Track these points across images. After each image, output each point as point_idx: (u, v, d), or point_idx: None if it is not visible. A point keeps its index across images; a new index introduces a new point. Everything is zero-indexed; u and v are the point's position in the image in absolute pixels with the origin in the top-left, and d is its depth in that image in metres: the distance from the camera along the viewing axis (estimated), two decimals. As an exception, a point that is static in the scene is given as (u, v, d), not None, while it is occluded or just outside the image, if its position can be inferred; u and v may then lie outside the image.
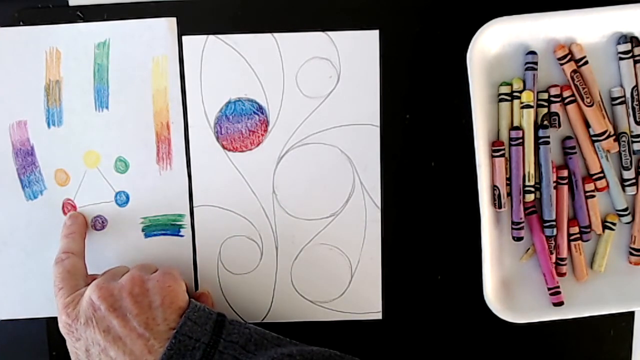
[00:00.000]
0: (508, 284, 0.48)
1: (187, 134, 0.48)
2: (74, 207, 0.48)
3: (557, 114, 0.46)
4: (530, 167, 0.46)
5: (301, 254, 0.49)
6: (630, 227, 0.48)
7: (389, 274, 0.49)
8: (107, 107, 0.48)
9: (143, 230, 0.49)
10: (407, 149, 0.48)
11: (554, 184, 0.46)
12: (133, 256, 0.49)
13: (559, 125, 0.46)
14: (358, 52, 0.47)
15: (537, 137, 0.46)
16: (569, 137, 0.47)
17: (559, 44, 0.45)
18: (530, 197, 0.46)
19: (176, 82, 0.47)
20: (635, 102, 0.46)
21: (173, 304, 0.42)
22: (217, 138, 0.48)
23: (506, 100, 0.46)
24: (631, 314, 0.50)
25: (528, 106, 0.45)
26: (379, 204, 0.49)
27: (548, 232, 0.47)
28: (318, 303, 0.49)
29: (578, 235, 0.47)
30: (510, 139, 0.46)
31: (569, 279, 0.48)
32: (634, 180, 0.47)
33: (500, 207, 0.46)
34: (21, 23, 0.47)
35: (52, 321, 0.49)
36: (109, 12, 0.47)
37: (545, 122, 0.46)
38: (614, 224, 0.47)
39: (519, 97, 0.46)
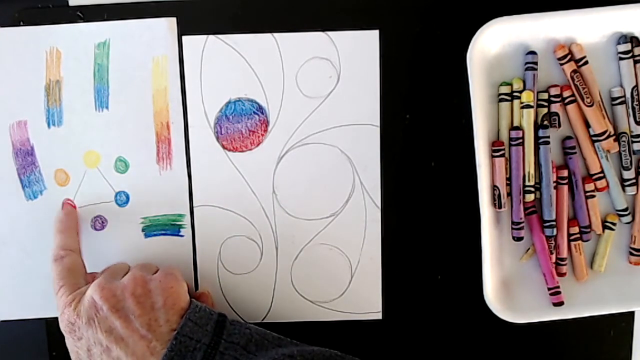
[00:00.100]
0: (508, 284, 0.48)
1: (187, 134, 0.48)
2: (74, 208, 0.48)
3: (557, 114, 0.46)
4: (530, 167, 0.46)
5: (301, 254, 0.49)
6: (630, 227, 0.48)
7: (389, 274, 0.49)
8: (107, 107, 0.48)
9: (143, 230, 0.49)
10: (407, 149, 0.48)
11: (554, 184, 0.46)
12: (133, 256, 0.49)
13: (559, 125, 0.46)
14: (358, 52, 0.47)
15: (537, 137, 0.46)
16: (569, 137, 0.47)
17: (559, 44, 0.45)
18: (530, 197, 0.46)
19: (176, 82, 0.47)
20: (635, 102, 0.46)
21: (175, 305, 0.42)
22: (217, 138, 0.48)
23: (506, 100, 0.46)
24: (631, 314, 0.50)
25: (528, 106, 0.45)
26: (379, 204, 0.49)
27: (548, 232, 0.47)
28: (318, 303, 0.49)
29: (578, 235, 0.47)
30: (510, 139, 0.46)
31: (569, 279, 0.48)
32: (634, 180, 0.47)
33: (500, 207, 0.46)
34: (21, 23, 0.47)
35: (52, 321, 0.49)
36: (109, 12, 0.47)
37: (545, 122, 0.46)
38: (614, 224, 0.47)
39: (519, 97, 0.46)
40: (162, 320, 0.41)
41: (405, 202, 0.49)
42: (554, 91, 0.46)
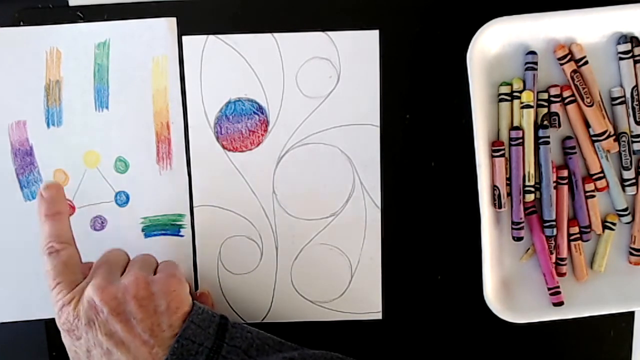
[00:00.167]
0: (508, 284, 0.48)
1: (187, 134, 0.48)
2: (73, 208, 0.48)
3: (557, 114, 0.46)
4: (530, 167, 0.46)
5: (301, 254, 0.49)
6: (630, 227, 0.48)
7: (389, 274, 0.49)
8: (107, 107, 0.47)
9: (143, 230, 0.49)
10: (407, 149, 0.48)
11: (554, 184, 0.46)
12: (133, 256, 0.48)
13: (559, 125, 0.46)
14: (358, 52, 0.47)
15: (537, 137, 0.46)
16: (569, 137, 0.47)
17: (559, 44, 0.45)
18: (530, 197, 0.46)
19: (176, 82, 0.47)
20: (635, 102, 0.46)
21: (179, 309, 0.41)
22: (217, 138, 0.48)
23: (506, 100, 0.46)
24: (631, 314, 0.50)
25: (528, 106, 0.45)
26: (379, 204, 0.49)
27: (548, 232, 0.47)
28: (318, 303, 0.49)
29: (578, 235, 0.47)
30: (510, 139, 0.46)
31: (569, 279, 0.48)
32: (634, 180, 0.47)
33: (500, 207, 0.46)
34: (21, 23, 0.47)
35: (52, 322, 0.49)
36: (109, 12, 0.47)
37: (545, 122, 0.46)
38: (614, 224, 0.47)
39: (519, 97, 0.46)
40: (164, 325, 0.40)
41: (405, 202, 0.49)
42: (554, 91, 0.46)
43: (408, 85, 0.48)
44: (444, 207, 0.49)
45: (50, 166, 0.48)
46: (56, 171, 0.48)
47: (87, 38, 0.47)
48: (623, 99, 0.46)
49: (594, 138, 0.46)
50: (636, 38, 0.45)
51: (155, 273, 0.44)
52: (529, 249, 0.48)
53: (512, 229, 0.47)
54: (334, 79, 0.48)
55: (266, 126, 0.48)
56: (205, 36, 0.47)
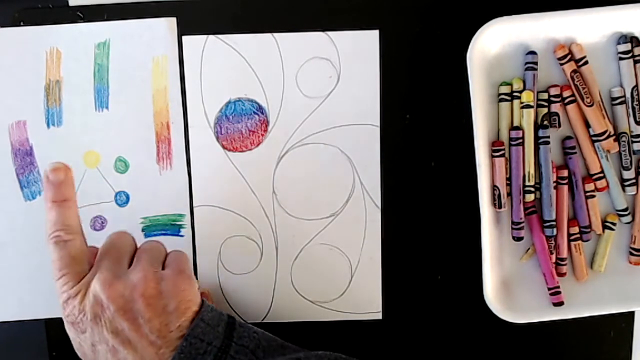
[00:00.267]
0: (508, 284, 0.48)
1: (187, 134, 0.48)
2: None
3: (557, 114, 0.46)
4: (530, 167, 0.46)
5: (301, 254, 0.49)
6: (630, 227, 0.48)
7: (389, 274, 0.49)
8: (107, 107, 0.47)
9: (143, 230, 0.49)
10: (407, 149, 0.48)
11: (554, 184, 0.46)
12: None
13: (559, 125, 0.46)
14: (358, 52, 0.47)
15: (537, 137, 0.46)
16: (569, 137, 0.47)
17: (559, 44, 0.45)
18: (530, 197, 0.46)
19: (176, 82, 0.47)
20: (635, 102, 0.46)
21: (188, 310, 0.39)
22: (217, 138, 0.48)
23: (506, 100, 0.46)
24: (631, 314, 0.50)
25: (528, 106, 0.45)
26: (379, 204, 0.49)
27: (548, 232, 0.47)
28: (318, 303, 0.49)
29: (578, 235, 0.47)
30: (510, 139, 0.46)
31: (569, 279, 0.48)
32: (634, 180, 0.47)
33: (500, 207, 0.46)
34: (21, 23, 0.47)
35: (52, 321, 0.49)
36: (109, 12, 0.47)
37: (545, 122, 0.46)
38: (614, 224, 0.47)
39: (519, 97, 0.46)
40: (172, 326, 0.39)
41: (405, 202, 0.49)
42: (554, 91, 0.46)
43: (408, 85, 0.48)
44: (444, 207, 0.49)
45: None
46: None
47: (87, 38, 0.47)
48: (623, 99, 0.46)
49: (594, 138, 0.46)
50: (636, 38, 0.45)
51: (163, 264, 0.42)
52: (529, 249, 0.48)
53: (512, 229, 0.47)
54: (334, 79, 0.48)
55: (266, 126, 0.48)
56: (205, 36, 0.47)
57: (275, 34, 0.47)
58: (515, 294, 0.48)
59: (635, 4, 0.44)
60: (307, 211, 0.49)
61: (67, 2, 0.47)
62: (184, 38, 0.47)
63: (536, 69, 0.45)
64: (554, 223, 0.47)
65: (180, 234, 0.49)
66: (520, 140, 0.46)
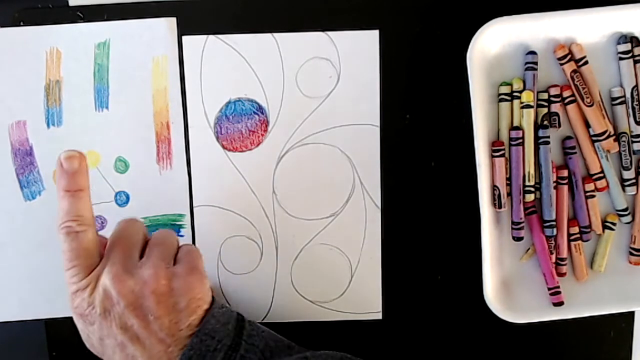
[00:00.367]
0: (508, 284, 0.48)
1: (187, 134, 0.48)
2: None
3: (557, 114, 0.46)
4: (530, 167, 0.46)
5: (301, 254, 0.49)
6: (630, 227, 0.48)
7: (389, 274, 0.49)
8: (107, 107, 0.47)
9: (143, 230, 0.49)
10: (407, 149, 0.48)
11: (554, 184, 0.46)
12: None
13: (559, 125, 0.46)
14: (358, 52, 0.47)
15: (537, 137, 0.46)
16: (569, 137, 0.47)
17: (559, 44, 0.45)
18: (530, 197, 0.46)
19: (176, 82, 0.47)
20: (635, 102, 0.46)
21: (199, 308, 0.39)
22: (217, 138, 0.48)
23: (506, 100, 0.46)
24: (631, 314, 0.50)
25: (528, 106, 0.45)
26: (379, 204, 0.49)
27: (548, 232, 0.47)
28: (318, 303, 0.49)
29: (578, 235, 0.47)
30: (510, 139, 0.46)
31: (569, 279, 0.48)
32: (634, 180, 0.47)
33: (500, 207, 0.46)
34: (21, 23, 0.47)
35: (52, 322, 0.49)
36: (109, 12, 0.47)
37: (545, 122, 0.46)
38: (614, 224, 0.47)
39: (519, 97, 0.46)
40: (182, 324, 0.38)
41: (405, 202, 0.49)
42: (554, 91, 0.46)
43: (408, 85, 0.48)
44: (444, 207, 0.49)
45: (50, 166, 0.48)
46: (56, 171, 0.48)
47: (87, 38, 0.47)
48: (623, 99, 0.46)
49: (594, 138, 0.46)
50: (636, 38, 0.45)
51: (175, 257, 0.41)
52: (529, 249, 0.48)
53: (512, 229, 0.47)
54: (334, 79, 0.48)
55: (266, 126, 0.48)
56: (205, 36, 0.47)
57: (275, 34, 0.47)
58: (515, 294, 0.48)
59: (635, 4, 0.44)
60: (307, 211, 0.49)
61: (67, 2, 0.47)
62: (184, 38, 0.47)
63: (536, 69, 0.45)
64: (554, 223, 0.47)
65: (180, 234, 0.49)
66: (520, 140, 0.46)
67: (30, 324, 0.49)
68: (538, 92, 0.46)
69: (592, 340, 0.50)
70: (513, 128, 0.46)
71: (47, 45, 0.47)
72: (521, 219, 0.47)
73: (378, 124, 0.48)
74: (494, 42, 0.45)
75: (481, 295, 0.46)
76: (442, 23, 0.47)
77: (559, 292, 0.47)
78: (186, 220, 0.48)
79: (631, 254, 0.48)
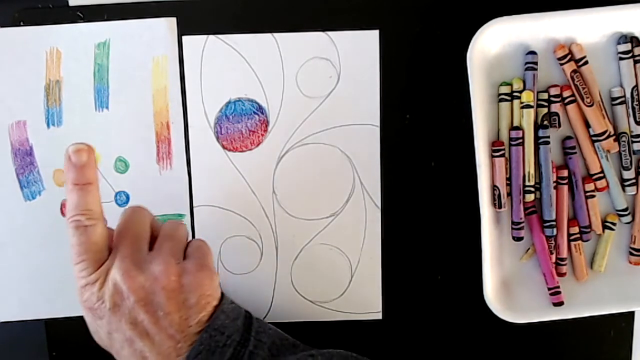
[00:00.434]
0: (508, 284, 0.48)
1: (187, 134, 0.48)
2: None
3: (557, 114, 0.46)
4: (530, 167, 0.46)
5: (301, 254, 0.49)
6: (630, 227, 0.48)
7: (389, 274, 0.49)
8: (107, 107, 0.47)
9: (143, 230, 0.48)
10: (407, 149, 0.48)
11: (554, 184, 0.46)
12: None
13: (559, 125, 0.46)
14: (358, 52, 0.47)
15: (537, 137, 0.46)
16: (569, 137, 0.47)
17: (559, 44, 0.45)
18: (530, 197, 0.46)
19: (176, 82, 0.47)
20: (635, 102, 0.46)
21: (208, 305, 0.39)
22: (217, 138, 0.48)
23: (506, 100, 0.46)
24: (631, 314, 0.50)
25: (528, 106, 0.45)
26: (379, 204, 0.49)
27: (548, 232, 0.47)
28: (318, 303, 0.49)
29: (578, 235, 0.47)
30: (510, 139, 0.46)
31: (569, 279, 0.48)
32: (634, 180, 0.47)
33: (500, 207, 0.46)
34: (21, 23, 0.46)
35: (52, 322, 0.49)
36: (109, 12, 0.47)
37: (545, 122, 0.46)
38: (614, 224, 0.47)
39: (519, 97, 0.46)
40: (192, 320, 0.38)
41: (405, 202, 0.49)
42: (554, 91, 0.46)
43: (408, 85, 0.48)
44: (444, 207, 0.49)
45: (50, 166, 0.48)
46: (56, 171, 0.48)
47: (87, 38, 0.47)
48: (623, 99, 0.46)
49: (594, 138, 0.46)
50: (636, 38, 0.45)
51: (185, 251, 0.41)
52: (529, 249, 0.48)
53: (512, 229, 0.47)
54: (334, 79, 0.48)
55: (266, 126, 0.48)
56: (205, 36, 0.47)
57: (275, 34, 0.47)
58: (515, 294, 0.48)
59: (635, 4, 0.44)
60: (307, 211, 0.49)
61: (67, 2, 0.47)
62: (184, 38, 0.47)
63: (536, 69, 0.45)
64: (554, 223, 0.47)
65: (180, 234, 0.49)
66: (520, 140, 0.46)
67: (30, 324, 0.49)
68: (538, 92, 0.46)
69: (592, 340, 0.50)
70: (513, 128, 0.46)
71: (47, 45, 0.47)
72: (521, 219, 0.47)
73: (378, 124, 0.48)
74: (494, 42, 0.45)
75: (481, 295, 0.46)
76: (442, 23, 0.47)
77: (559, 292, 0.47)
78: (186, 220, 0.48)
79: (631, 254, 0.48)
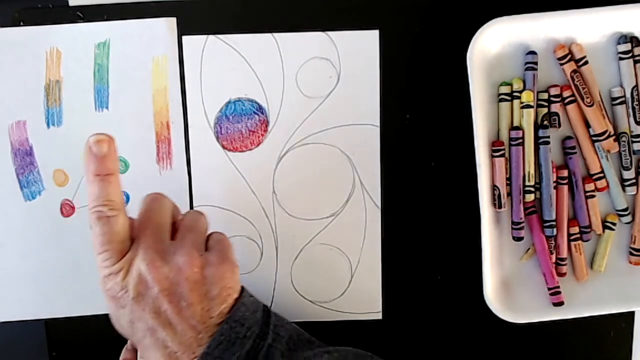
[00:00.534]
0: (508, 284, 0.48)
1: (187, 134, 0.48)
2: (73, 208, 0.48)
3: (557, 114, 0.46)
4: (530, 167, 0.46)
5: (301, 254, 0.49)
6: (630, 227, 0.48)
7: (389, 274, 0.49)
8: (107, 107, 0.47)
9: (143, 230, 0.48)
10: (407, 149, 0.48)
11: (554, 184, 0.46)
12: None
13: (559, 125, 0.46)
14: (358, 52, 0.47)
15: (537, 137, 0.46)
16: (569, 137, 0.47)
17: (559, 44, 0.45)
18: (530, 197, 0.46)
19: (176, 82, 0.47)
20: (635, 102, 0.46)
21: (229, 297, 0.39)
22: (217, 138, 0.48)
23: (506, 100, 0.46)
24: (631, 315, 0.50)
25: (528, 106, 0.45)
26: (379, 204, 0.49)
27: (548, 232, 0.47)
28: (318, 303, 0.49)
29: (578, 235, 0.47)
30: (510, 139, 0.46)
31: (569, 279, 0.48)
32: (634, 180, 0.47)
33: (500, 207, 0.46)
34: (21, 23, 0.46)
35: (52, 322, 0.49)
36: (109, 12, 0.47)
37: (545, 122, 0.46)
38: (614, 224, 0.47)
39: (519, 97, 0.46)
40: (214, 312, 0.38)
41: (405, 202, 0.49)
42: (554, 91, 0.46)
43: (408, 85, 0.48)
44: (444, 207, 0.49)
45: (50, 166, 0.48)
46: (56, 171, 0.48)
47: (87, 38, 0.47)
48: (623, 99, 0.46)
49: (594, 138, 0.46)
50: (636, 38, 0.45)
51: (206, 244, 0.41)
52: (529, 249, 0.48)
53: (512, 229, 0.47)
54: (334, 79, 0.48)
55: (266, 126, 0.48)
56: (205, 36, 0.47)
57: (275, 34, 0.47)
58: (515, 294, 0.48)
59: (635, 4, 0.44)
60: (307, 211, 0.49)
61: (67, 2, 0.47)
62: (184, 38, 0.47)
63: (536, 69, 0.45)
64: (554, 223, 0.47)
65: (180, 234, 0.49)
66: (520, 140, 0.46)
67: (30, 324, 0.49)
68: (538, 92, 0.46)
69: (592, 340, 0.50)
70: (513, 128, 0.46)
71: (47, 45, 0.47)
72: (521, 219, 0.47)
73: (378, 124, 0.48)
74: (494, 42, 0.45)
75: (481, 295, 0.46)
76: (442, 23, 0.47)
77: (559, 292, 0.47)
78: (186, 220, 0.48)
79: (631, 254, 0.48)
